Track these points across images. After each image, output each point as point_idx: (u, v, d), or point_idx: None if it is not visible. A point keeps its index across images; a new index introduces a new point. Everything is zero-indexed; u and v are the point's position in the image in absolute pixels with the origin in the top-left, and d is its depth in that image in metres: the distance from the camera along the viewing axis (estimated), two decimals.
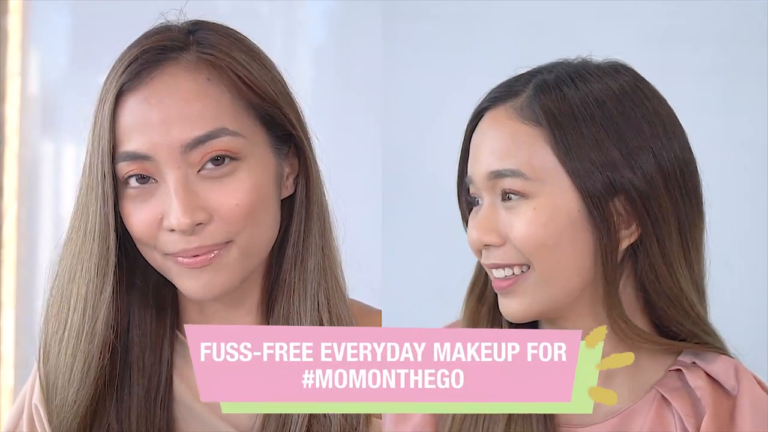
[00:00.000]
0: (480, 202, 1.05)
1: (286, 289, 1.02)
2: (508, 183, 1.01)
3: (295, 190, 1.03)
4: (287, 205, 1.03)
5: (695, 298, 1.05)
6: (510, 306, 1.04)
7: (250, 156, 0.98)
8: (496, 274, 1.04)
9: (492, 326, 1.08)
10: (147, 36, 1.00)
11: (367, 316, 1.08)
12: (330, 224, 1.05)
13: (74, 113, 2.02)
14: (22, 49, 2.03)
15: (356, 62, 1.77)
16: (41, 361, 1.03)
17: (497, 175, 1.02)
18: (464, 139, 1.07)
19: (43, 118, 2.03)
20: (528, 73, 1.06)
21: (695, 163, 1.06)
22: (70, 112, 1.99)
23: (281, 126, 1.01)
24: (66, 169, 2.01)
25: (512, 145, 1.02)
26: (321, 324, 1.01)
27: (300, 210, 1.03)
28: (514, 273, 1.03)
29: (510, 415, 1.05)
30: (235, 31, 1.02)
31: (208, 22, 1.02)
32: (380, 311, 1.11)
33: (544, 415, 1.05)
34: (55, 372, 1.01)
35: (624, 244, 1.02)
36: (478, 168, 1.04)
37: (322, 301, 1.02)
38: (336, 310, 1.03)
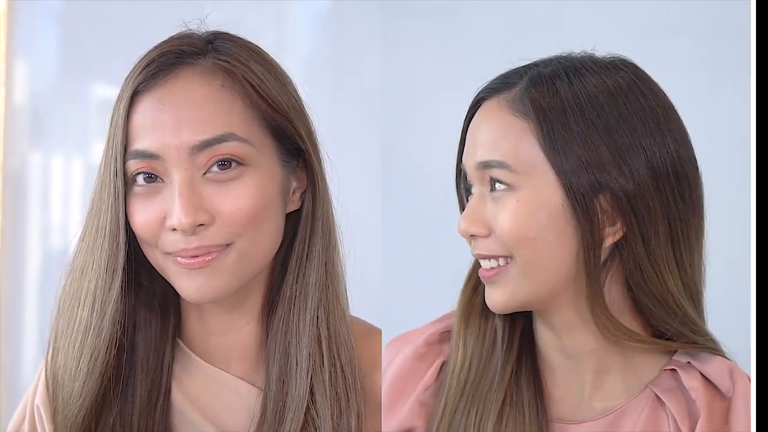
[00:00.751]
0: (474, 191, 1.06)
1: (287, 302, 1.04)
2: (495, 173, 1.02)
3: (302, 205, 1.04)
4: (293, 219, 1.05)
5: (684, 298, 1.04)
6: (492, 296, 1.05)
7: (256, 164, 1.00)
8: (483, 264, 1.04)
9: (484, 317, 1.09)
10: (167, 41, 1.02)
11: (368, 337, 1.09)
12: (335, 241, 1.06)
13: (62, 123, 2.01)
14: (7, 58, 2.02)
15: (353, 66, 1.78)
16: (49, 355, 1.04)
17: (485, 165, 1.03)
18: (462, 129, 1.08)
19: (30, 128, 2.02)
20: (526, 66, 1.06)
21: (694, 160, 1.05)
22: (58, 122, 1.98)
23: (291, 139, 1.02)
24: (54, 180, 2.00)
25: (501, 136, 1.02)
26: (318, 339, 1.02)
27: (305, 224, 1.04)
28: (498, 264, 1.03)
29: (501, 409, 1.05)
30: (256, 44, 1.04)
31: (228, 33, 1.04)
32: (380, 331, 1.11)
33: (537, 409, 1.05)
34: (63, 366, 1.02)
35: (608, 242, 1.02)
36: (470, 158, 1.04)
37: (321, 317, 1.03)
38: (334, 327, 1.04)
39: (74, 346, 1.01)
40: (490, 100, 1.05)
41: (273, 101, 1.00)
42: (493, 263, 1.04)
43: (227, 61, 1.00)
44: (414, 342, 1.12)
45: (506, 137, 1.02)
